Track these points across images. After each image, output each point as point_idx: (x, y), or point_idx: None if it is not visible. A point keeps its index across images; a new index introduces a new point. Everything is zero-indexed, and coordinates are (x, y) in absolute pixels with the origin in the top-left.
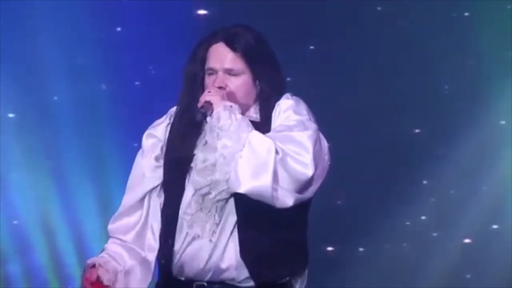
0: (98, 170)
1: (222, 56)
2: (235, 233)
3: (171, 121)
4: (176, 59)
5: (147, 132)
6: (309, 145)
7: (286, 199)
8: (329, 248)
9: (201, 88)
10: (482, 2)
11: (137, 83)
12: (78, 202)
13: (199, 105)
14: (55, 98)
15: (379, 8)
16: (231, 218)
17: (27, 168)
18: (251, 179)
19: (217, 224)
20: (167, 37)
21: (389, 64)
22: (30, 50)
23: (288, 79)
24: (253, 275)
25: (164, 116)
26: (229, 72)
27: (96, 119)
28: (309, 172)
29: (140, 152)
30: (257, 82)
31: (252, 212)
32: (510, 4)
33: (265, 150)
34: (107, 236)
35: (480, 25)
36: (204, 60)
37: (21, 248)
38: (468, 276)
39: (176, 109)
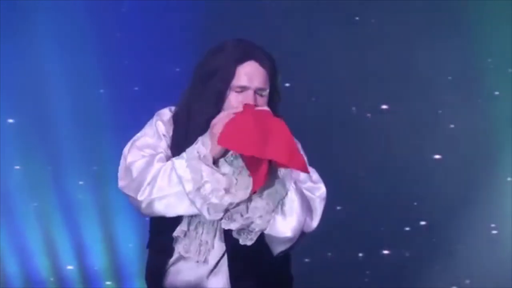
0: (98, 173)
1: (255, 75)
2: (224, 261)
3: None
4: (175, 64)
5: (160, 119)
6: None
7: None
8: (329, 254)
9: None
10: (482, 3)
11: (136, 88)
12: (78, 204)
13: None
14: (55, 102)
15: (378, 12)
16: (221, 244)
17: (26, 173)
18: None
19: (205, 246)
20: (166, 43)
21: (389, 68)
22: (29, 55)
23: (287, 84)
24: None
25: (169, 115)
26: (260, 91)
27: (96, 124)
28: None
29: (153, 126)
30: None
31: (241, 245)
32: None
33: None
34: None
35: (480, 28)
36: (230, 77)
37: (20, 249)
38: (467, 281)
39: (189, 122)
